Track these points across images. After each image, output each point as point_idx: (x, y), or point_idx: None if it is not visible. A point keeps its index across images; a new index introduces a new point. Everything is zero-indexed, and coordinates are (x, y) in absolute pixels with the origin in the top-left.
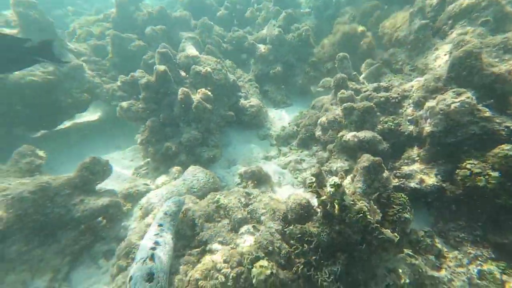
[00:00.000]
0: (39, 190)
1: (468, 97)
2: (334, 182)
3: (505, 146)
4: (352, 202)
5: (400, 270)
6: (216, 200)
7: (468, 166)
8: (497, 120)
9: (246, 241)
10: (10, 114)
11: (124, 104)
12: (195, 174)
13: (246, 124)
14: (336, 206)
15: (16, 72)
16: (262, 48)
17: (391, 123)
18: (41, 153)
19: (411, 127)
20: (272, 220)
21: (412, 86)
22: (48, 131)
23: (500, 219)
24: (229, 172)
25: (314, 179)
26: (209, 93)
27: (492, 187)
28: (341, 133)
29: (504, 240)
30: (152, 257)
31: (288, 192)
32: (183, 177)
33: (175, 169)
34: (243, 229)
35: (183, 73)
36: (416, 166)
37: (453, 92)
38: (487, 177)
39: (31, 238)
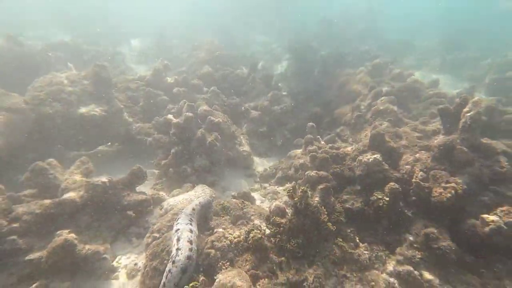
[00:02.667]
0: (108, 181)
1: (377, 157)
2: (304, 188)
3: (392, 185)
4: (312, 202)
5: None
6: (222, 203)
7: (376, 195)
8: (390, 171)
9: (242, 229)
10: (71, 138)
11: (157, 136)
12: (204, 189)
13: (239, 164)
14: (303, 203)
15: (84, 109)
16: (254, 113)
17: (338, 169)
18: (90, 165)
19: (350, 172)
20: (259, 219)
21: (352, 149)
22: (82, 152)
23: (389, 228)
24: (224, 194)
25: (291, 189)
26: (218, 136)
27: (385, 207)
28: (307, 172)
29: (389, 239)
30: (191, 223)
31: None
32: (194, 190)
33: (188, 184)
34: (239, 222)
35: (199, 120)
36: (350, 196)
37: (372, 153)
38: (384, 200)
39: (93, 214)
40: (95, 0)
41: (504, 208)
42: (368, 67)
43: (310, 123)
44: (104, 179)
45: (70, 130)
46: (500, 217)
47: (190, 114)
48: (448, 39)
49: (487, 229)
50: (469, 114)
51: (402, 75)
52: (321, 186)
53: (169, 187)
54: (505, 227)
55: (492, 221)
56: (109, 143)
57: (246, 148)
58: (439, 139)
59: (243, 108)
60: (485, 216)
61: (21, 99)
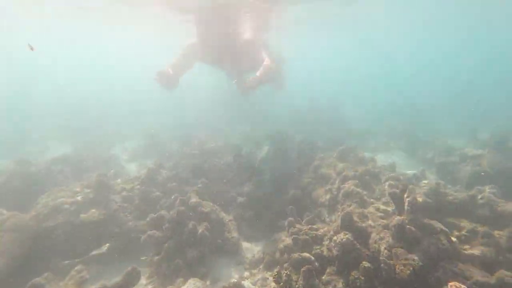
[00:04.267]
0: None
1: (349, 236)
2: (287, 272)
3: (365, 264)
4: (297, 286)
5: None
6: None
7: (353, 275)
8: (362, 249)
9: None
10: (67, 246)
11: (150, 232)
12: (195, 283)
13: (228, 251)
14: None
15: (83, 215)
16: (240, 199)
17: (318, 250)
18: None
19: (328, 252)
20: None
21: (328, 230)
22: (76, 260)
23: None
24: (215, 286)
25: (276, 274)
26: (208, 226)
27: (362, 286)
28: (291, 254)
29: None
30: None
31: None
32: (187, 285)
33: (179, 280)
34: None
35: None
36: (331, 277)
37: (344, 234)
38: (360, 280)
39: None
40: (92, 109)
41: (451, 283)
42: (336, 152)
43: (290, 206)
44: (98, 286)
45: (68, 237)
46: None
47: (182, 208)
48: (403, 126)
49: None
50: (408, 199)
51: (364, 159)
52: (303, 269)
53: (161, 284)
54: None
55: None
56: (103, 246)
57: (234, 234)
58: (394, 219)
59: (230, 195)
60: None
61: (27, 217)
